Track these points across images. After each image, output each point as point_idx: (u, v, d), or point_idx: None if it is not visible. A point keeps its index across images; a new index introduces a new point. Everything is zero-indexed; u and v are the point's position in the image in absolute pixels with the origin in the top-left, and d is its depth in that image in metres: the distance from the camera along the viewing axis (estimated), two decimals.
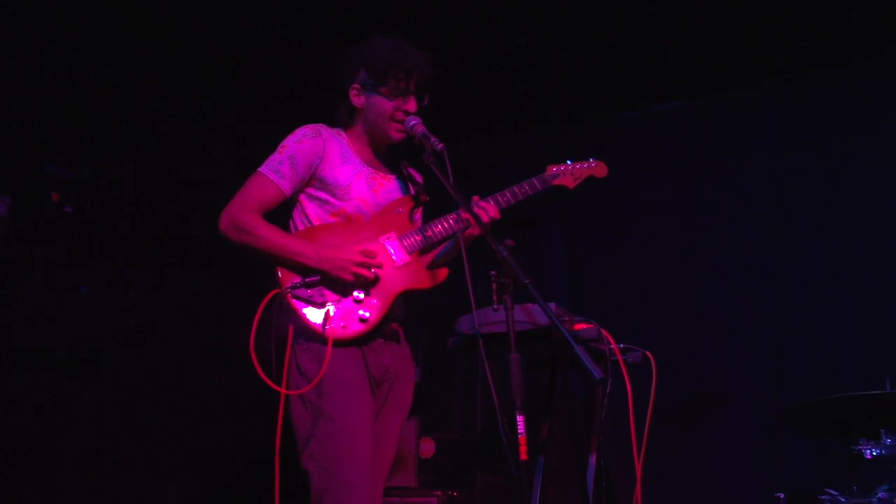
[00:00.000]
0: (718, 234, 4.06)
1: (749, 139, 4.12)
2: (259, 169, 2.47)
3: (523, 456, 2.05)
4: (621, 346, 2.68)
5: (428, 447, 3.75)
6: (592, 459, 2.77)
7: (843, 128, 3.89)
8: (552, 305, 2.54)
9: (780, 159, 4.00)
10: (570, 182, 2.73)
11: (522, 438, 2.05)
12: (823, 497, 2.43)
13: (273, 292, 2.34)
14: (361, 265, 2.35)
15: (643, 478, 2.61)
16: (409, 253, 2.48)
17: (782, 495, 2.64)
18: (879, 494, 2.43)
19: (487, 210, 2.50)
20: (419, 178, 2.68)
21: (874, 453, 2.51)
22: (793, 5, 3.64)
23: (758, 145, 4.09)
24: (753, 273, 3.92)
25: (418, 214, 2.68)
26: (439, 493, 3.48)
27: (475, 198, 2.55)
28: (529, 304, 2.59)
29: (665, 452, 2.90)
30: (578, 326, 2.61)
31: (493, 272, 2.28)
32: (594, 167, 2.77)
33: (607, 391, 2.65)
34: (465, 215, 2.43)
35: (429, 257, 2.62)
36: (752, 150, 4.11)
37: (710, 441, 3.75)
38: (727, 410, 3.75)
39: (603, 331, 2.63)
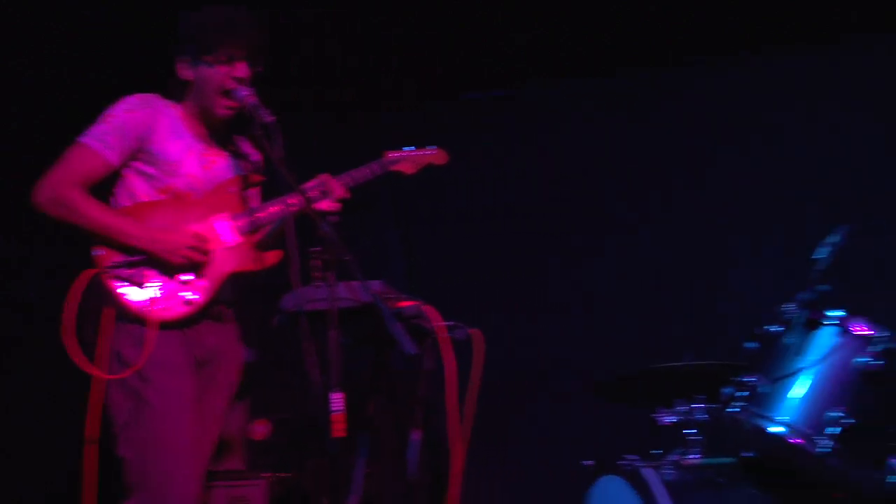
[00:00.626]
0: (550, 217, 4.23)
1: (575, 122, 4.30)
2: (80, 139, 2.31)
3: (339, 433, 2.07)
4: (447, 323, 2.73)
5: (259, 429, 3.68)
6: (415, 436, 2.82)
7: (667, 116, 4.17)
8: (377, 283, 2.56)
9: (599, 145, 4.23)
10: (409, 168, 2.77)
11: (338, 416, 2.06)
12: (622, 462, 2.63)
13: (90, 272, 2.22)
14: (193, 249, 2.28)
15: (466, 454, 2.68)
16: (240, 234, 2.42)
17: (590, 463, 2.83)
18: (671, 457, 2.65)
19: (335, 190, 2.47)
20: (256, 157, 2.61)
21: (669, 420, 2.75)
22: None
23: (585, 129, 4.28)
24: (576, 254, 4.14)
25: (254, 193, 2.61)
26: (269, 475, 3.42)
27: (325, 176, 2.51)
28: (355, 282, 2.60)
29: (489, 428, 3.01)
30: (401, 304, 2.65)
31: (315, 249, 2.27)
32: (434, 155, 2.82)
33: (425, 368, 2.71)
34: (295, 197, 2.39)
35: (259, 238, 2.57)
36: (574, 132, 4.28)
37: (530, 416, 3.95)
38: (549, 387, 3.96)
39: (425, 308, 2.67)
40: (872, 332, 2.26)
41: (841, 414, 2.21)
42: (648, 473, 2.55)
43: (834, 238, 2.26)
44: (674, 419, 2.73)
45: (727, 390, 2.44)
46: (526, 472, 3.83)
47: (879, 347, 2.22)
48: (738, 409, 2.36)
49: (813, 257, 2.32)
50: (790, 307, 2.33)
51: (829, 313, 2.32)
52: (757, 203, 4.00)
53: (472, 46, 4.13)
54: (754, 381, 2.34)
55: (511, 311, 4.05)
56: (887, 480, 2.22)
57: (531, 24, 4.02)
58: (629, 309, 3.94)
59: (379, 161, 2.69)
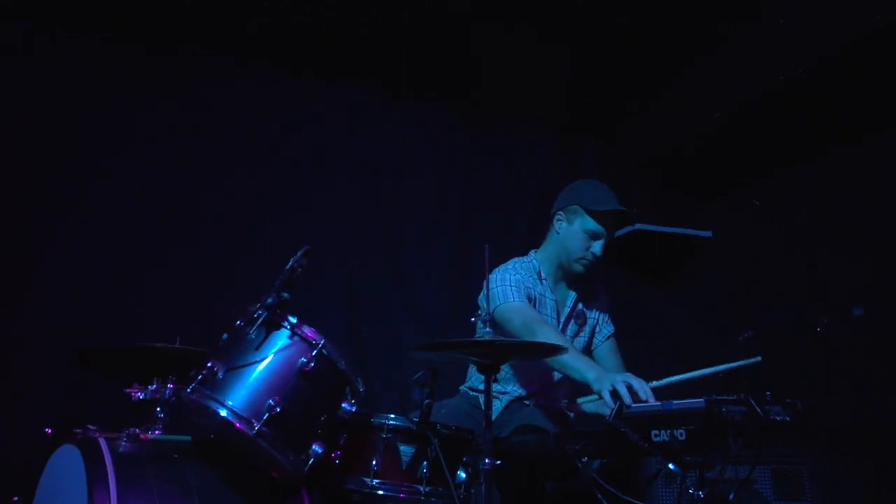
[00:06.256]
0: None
1: None
2: None
3: None
4: None
5: None
6: None
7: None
8: None
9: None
10: None
11: None
12: (78, 431, 2.67)
13: None
14: None
15: None
16: None
17: (49, 430, 2.82)
18: (131, 431, 2.74)
19: None
20: None
21: (140, 396, 2.88)
22: None
23: None
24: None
25: None
26: None
27: None
28: None
29: None
30: None
31: None
32: None
33: None
34: None
35: None
36: None
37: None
38: (20, 354, 3.80)
39: None
40: (315, 339, 2.67)
41: (275, 402, 2.56)
42: (101, 443, 2.63)
43: (299, 254, 2.62)
44: (143, 395, 2.87)
45: (192, 373, 2.65)
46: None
47: (315, 352, 2.64)
48: (191, 391, 2.58)
49: (286, 267, 2.66)
50: (255, 307, 2.63)
51: (288, 318, 2.68)
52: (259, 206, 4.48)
53: None
54: (211, 367, 2.59)
55: None
56: (306, 464, 2.63)
57: None
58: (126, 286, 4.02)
59: None
